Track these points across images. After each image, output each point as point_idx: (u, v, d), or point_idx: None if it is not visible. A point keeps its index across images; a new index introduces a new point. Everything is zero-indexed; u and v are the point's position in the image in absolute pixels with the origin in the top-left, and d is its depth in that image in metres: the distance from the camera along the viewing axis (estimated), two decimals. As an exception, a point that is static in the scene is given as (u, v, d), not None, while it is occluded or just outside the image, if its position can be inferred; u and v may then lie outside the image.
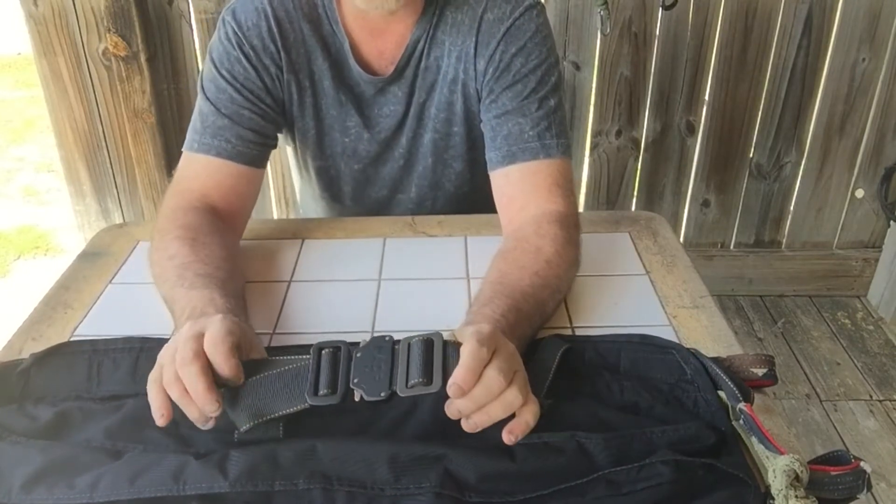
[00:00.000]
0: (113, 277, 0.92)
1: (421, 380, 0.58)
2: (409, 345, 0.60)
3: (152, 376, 0.62)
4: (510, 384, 0.59)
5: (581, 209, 2.11)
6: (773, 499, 0.55)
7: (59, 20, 1.77)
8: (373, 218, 1.08)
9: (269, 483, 0.56)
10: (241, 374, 0.61)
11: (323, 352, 0.62)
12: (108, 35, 1.76)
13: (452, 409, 0.59)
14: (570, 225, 0.88)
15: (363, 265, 0.93)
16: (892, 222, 2.13)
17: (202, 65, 1.87)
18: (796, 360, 2.02)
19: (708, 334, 0.79)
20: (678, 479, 0.56)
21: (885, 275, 2.16)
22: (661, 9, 1.85)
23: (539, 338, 0.75)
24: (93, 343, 0.74)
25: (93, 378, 0.71)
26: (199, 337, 0.61)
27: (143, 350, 0.73)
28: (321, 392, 0.59)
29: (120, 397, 0.68)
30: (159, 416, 0.60)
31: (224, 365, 0.60)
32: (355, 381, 0.59)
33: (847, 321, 2.17)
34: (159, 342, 0.72)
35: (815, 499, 0.54)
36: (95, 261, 0.95)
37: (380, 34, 0.95)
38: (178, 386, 0.60)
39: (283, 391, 0.61)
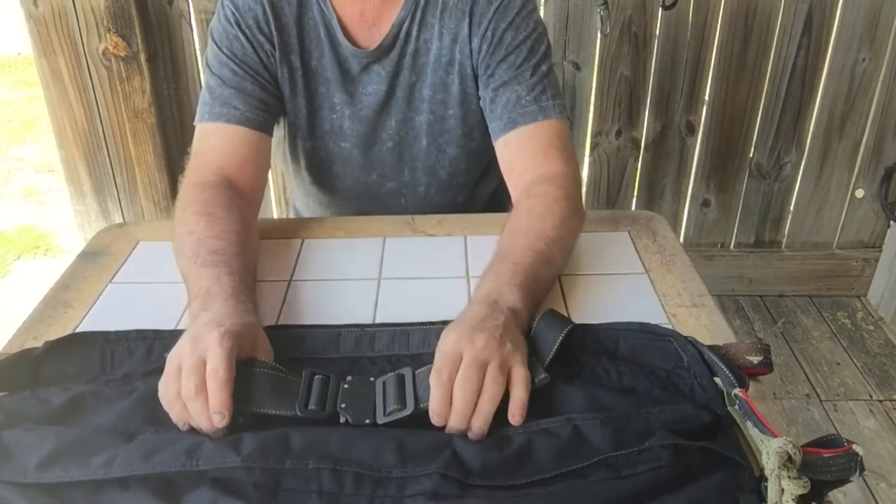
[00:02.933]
0: (113, 277, 0.92)
1: (396, 406, 0.64)
2: (384, 382, 0.67)
3: (162, 386, 0.65)
4: (484, 379, 0.63)
5: (581, 209, 2.11)
6: (766, 480, 0.56)
7: (59, 20, 1.77)
8: (372, 217, 1.08)
9: (279, 461, 0.57)
10: (229, 409, 0.62)
11: (315, 377, 0.67)
12: (108, 35, 1.76)
13: (452, 431, 0.62)
14: (562, 184, 0.92)
15: (363, 264, 0.93)
16: (892, 222, 2.13)
17: (202, 64, 1.88)
18: (796, 360, 2.02)
19: (707, 333, 0.79)
20: (677, 462, 0.57)
21: (885, 275, 2.16)
22: (661, 9, 1.85)
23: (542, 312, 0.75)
24: (105, 333, 0.75)
25: (106, 364, 0.72)
26: (201, 366, 0.63)
27: (157, 339, 0.74)
28: (311, 407, 0.64)
29: (132, 379, 0.70)
30: (181, 425, 0.64)
31: (214, 400, 0.62)
32: (342, 406, 0.65)
33: (847, 321, 2.17)
34: (173, 334, 0.72)
35: (807, 480, 0.55)
36: (95, 260, 0.95)
37: (366, 14, 1.00)
38: (183, 409, 0.64)
39: (273, 393, 0.65)
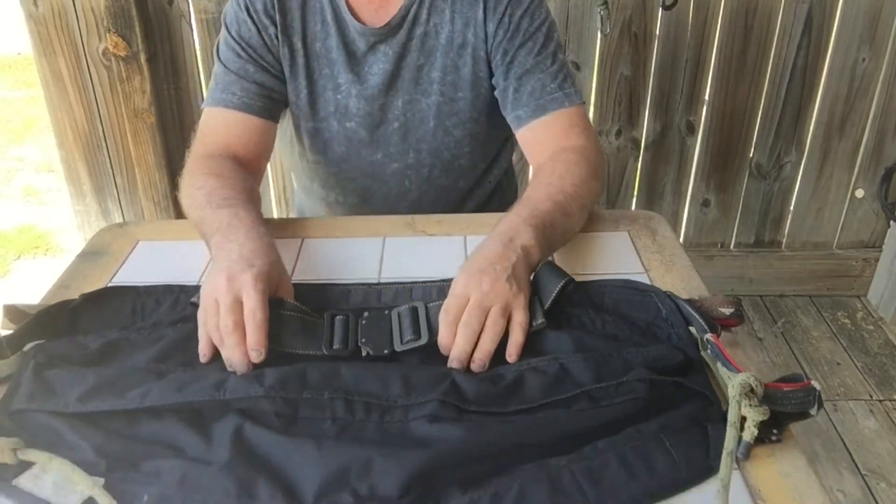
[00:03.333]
0: (113, 277, 0.91)
1: (412, 337, 0.73)
2: (398, 313, 0.75)
3: (201, 316, 0.72)
4: (486, 321, 0.71)
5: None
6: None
7: (59, 20, 1.77)
8: (372, 217, 1.08)
9: (298, 392, 0.64)
10: (266, 347, 0.69)
11: (336, 318, 0.75)
12: (108, 35, 1.76)
13: (454, 364, 0.69)
14: (583, 153, 0.99)
15: (363, 264, 0.93)
16: (892, 222, 2.13)
17: (202, 65, 1.88)
18: (796, 360, 2.02)
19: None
20: (651, 395, 0.65)
21: (885, 275, 2.16)
22: (661, 9, 1.85)
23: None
24: (135, 287, 0.83)
25: (137, 314, 0.80)
26: (237, 306, 0.70)
27: (183, 292, 0.82)
28: (335, 346, 0.72)
29: (161, 327, 0.76)
30: (202, 356, 0.71)
31: (252, 339, 0.68)
32: (363, 340, 0.73)
33: (847, 321, 2.17)
34: (197, 288, 0.79)
35: (767, 408, 0.60)
36: (95, 260, 0.95)
37: None
38: (220, 341, 0.70)
39: (301, 335, 0.73)
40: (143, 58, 1.79)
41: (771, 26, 1.89)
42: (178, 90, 1.90)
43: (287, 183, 2.00)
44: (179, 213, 1.97)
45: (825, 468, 1.66)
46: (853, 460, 1.69)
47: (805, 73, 1.95)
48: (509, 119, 1.07)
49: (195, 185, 0.93)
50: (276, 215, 2.07)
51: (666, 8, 1.82)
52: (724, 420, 0.62)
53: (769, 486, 0.60)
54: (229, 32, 1.06)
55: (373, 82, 1.07)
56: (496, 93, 1.08)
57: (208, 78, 1.88)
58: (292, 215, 2.03)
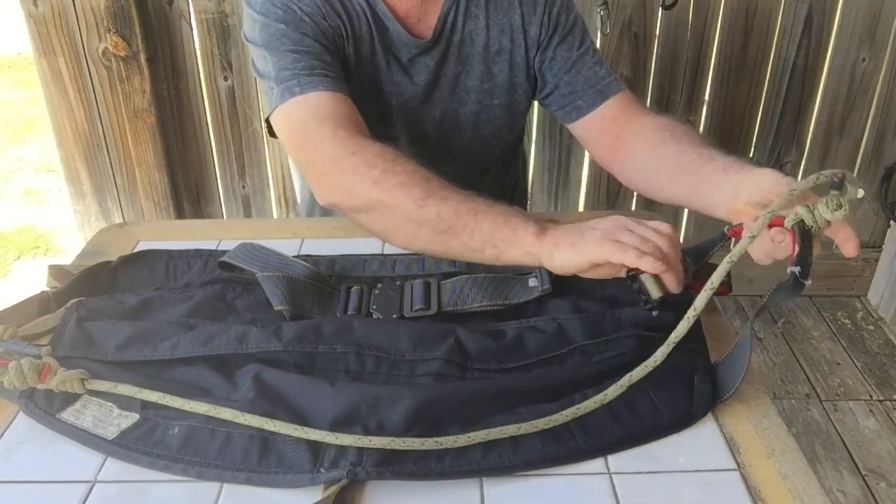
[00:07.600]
0: (113, 277, 0.91)
1: (422, 306, 0.78)
2: (412, 286, 0.81)
3: (616, 252, 0.70)
4: None
5: (581, 209, 2.12)
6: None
7: (59, 20, 1.77)
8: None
9: (314, 346, 0.70)
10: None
11: (352, 289, 0.80)
12: (108, 35, 1.76)
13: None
14: (663, 117, 1.00)
15: (363, 265, 0.93)
16: (892, 222, 2.13)
17: (202, 65, 1.88)
18: (796, 360, 2.02)
19: (707, 333, 0.79)
20: (639, 351, 0.69)
21: (885, 275, 2.16)
22: (661, 9, 1.85)
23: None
24: (168, 251, 0.90)
25: (170, 275, 0.87)
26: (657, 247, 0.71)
27: (212, 256, 0.88)
28: (349, 312, 0.77)
29: (192, 287, 0.82)
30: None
31: (674, 283, 0.70)
32: (374, 307, 0.78)
33: (847, 321, 2.17)
34: (223, 253, 0.86)
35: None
36: (95, 260, 0.94)
37: (410, 12, 1.01)
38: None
39: (318, 301, 0.79)
40: (143, 58, 1.79)
41: (771, 26, 1.89)
42: (178, 90, 1.90)
43: (287, 183, 2.00)
44: (179, 213, 1.98)
45: (825, 468, 1.66)
46: (853, 460, 1.69)
47: (805, 73, 1.95)
48: (565, 111, 1.07)
49: (390, 170, 0.80)
50: (275, 215, 2.07)
51: (666, 8, 1.82)
52: (711, 373, 0.69)
53: (769, 487, 0.60)
54: (287, 26, 0.93)
55: (413, 92, 1.05)
56: (542, 92, 1.07)
57: (208, 78, 1.90)
58: (292, 215, 2.03)
